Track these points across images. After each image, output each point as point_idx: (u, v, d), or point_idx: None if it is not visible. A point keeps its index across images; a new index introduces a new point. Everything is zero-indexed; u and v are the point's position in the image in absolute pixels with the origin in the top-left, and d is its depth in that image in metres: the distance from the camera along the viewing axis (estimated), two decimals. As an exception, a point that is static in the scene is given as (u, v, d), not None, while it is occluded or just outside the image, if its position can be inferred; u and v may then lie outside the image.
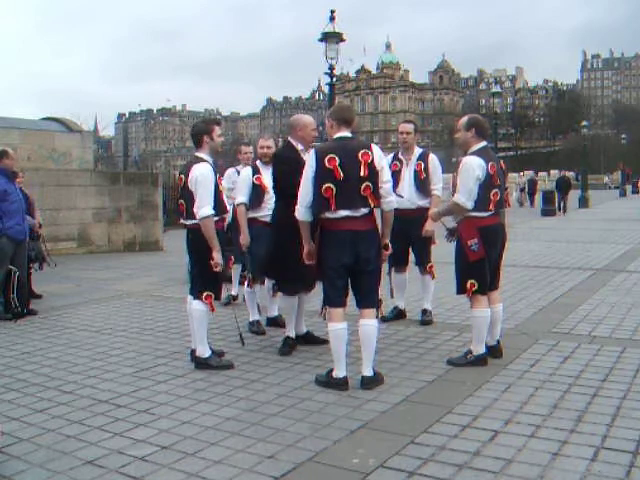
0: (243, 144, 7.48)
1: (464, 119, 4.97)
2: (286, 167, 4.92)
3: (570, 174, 66.29)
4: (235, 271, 7.16)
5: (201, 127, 4.96)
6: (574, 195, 30.59)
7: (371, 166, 4.26)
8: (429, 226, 6.00)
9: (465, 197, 4.63)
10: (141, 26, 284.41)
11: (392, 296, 6.19)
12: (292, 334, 5.32)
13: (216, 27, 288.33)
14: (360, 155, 4.25)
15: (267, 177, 5.90)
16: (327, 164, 4.23)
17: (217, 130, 4.95)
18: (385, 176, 4.34)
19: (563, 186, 26.25)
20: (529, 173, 58.18)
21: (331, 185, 4.21)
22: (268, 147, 5.99)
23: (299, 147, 5.04)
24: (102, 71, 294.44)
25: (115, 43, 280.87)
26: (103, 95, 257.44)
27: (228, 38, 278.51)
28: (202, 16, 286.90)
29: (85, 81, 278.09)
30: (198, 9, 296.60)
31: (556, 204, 24.68)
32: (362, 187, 4.23)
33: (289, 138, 5.17)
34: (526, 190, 32.07)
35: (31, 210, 7.63)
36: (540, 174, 58.53)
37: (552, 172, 62.59)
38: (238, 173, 6.63)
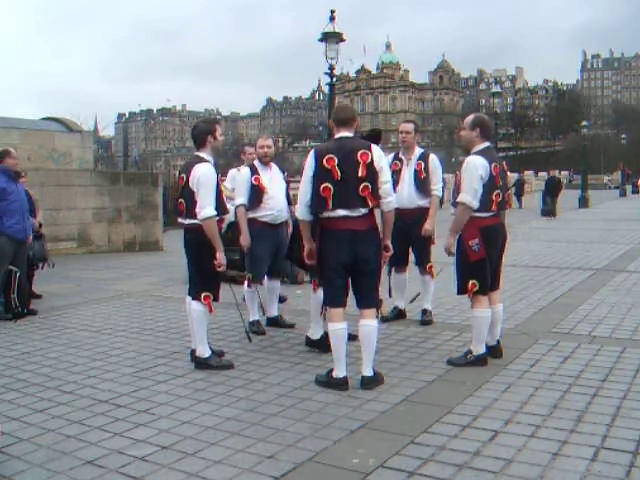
0: (247, 145, 7.49)
1: (469, 118, 4.97)
2: None
3: (564, 174, 66.26)
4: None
5: (204, 127, 4.96)
6: (574, 195, 30.59)
7: (370, 166, 4.26)
8: (428, 225, 6.01)
9: (471, 196, 4.63)
10: (141, 26, 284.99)
11: (390, 296, 6.19)
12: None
13: (216, 27, 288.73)
14: (359, 155, 4.26)
15: (265, 177, 5.90)
16: (326, 164, 4.25)
17: (219, 129, 4.97)
18: (384, 176, 4.33)
19: (552, 188, 23.92)
20: (528, 173, 58.26)
21: (329, 185, 4.23)
22: (268, 147, 5.98)
23: None
24: (102, 71, 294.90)
25: (115, 43, 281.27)
26: (103, 95, 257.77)
27: (228, 38, 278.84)
28: (202, 16, 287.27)
29: (85, 81, 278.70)
30: (198, 9, 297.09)
31: (547, 207, 23.04)
32: (360, 187, 4.23)
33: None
34: (513, 191, 31.78)
35: (34, 210, 7.65)
36: (540, 174, 58.58)
37: (552, 172, 62.73)
38: None
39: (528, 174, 58.14)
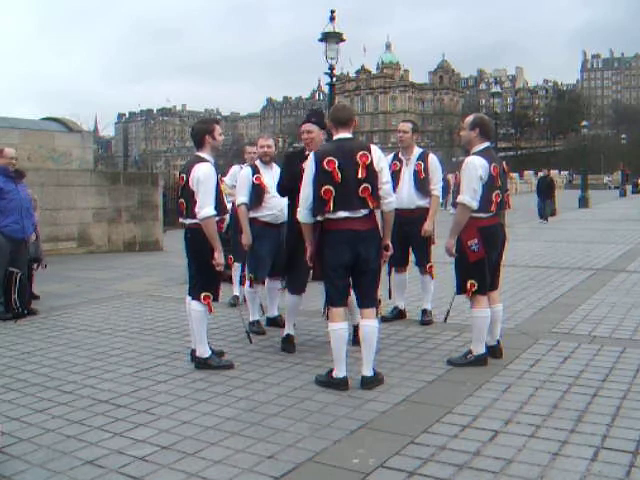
0: (248, 144, 7.54)
1: (469, 118, 4.96)
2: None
3: (564, 173, 65.85)
4: (235, 271, 7.14)
5: (202, 127, 4.96)
6: (574, 195, 30.60)
7: (370, 168, 4.26)
8: (428, 226, 6.00)
9: (470, 196, 4.63)
10: (141, 26, 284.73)
11: (390, 297, 6.18)
12: (292, 332, 5.38)
13: (216, 27, 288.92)
14: (358, 157, 4.25)
15: (267, 177, 5.91)
16: (326, 166, 4.23)
17: (218, 129, 4.97)
18: (384, 177, 4.34)
19: (544, 188, 21.37)
20: (528, 173, 58.12)
21: (330, 187, 4.21)
22: (268, 147, 5.99)
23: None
24: (102, 71, 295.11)
25: (115, 43, 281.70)
26: (103, 95, 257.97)
27: (228, 38, 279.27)
28: (202, 16, 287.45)
29: (85, 81, 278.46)
30: (198, 9, 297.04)
31: (537, 210, 20.84)
32: (360, 189, 4.23)
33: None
34: None
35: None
36: (540, 174, 58.74)
37: (552, 172, 62.61)
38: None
39: (528, 174, 58.15)
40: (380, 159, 4.36)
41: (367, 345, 4.35)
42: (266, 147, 5.98)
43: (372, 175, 4.26)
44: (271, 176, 5.95)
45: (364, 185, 4.23)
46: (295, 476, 3.10)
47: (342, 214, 4.24)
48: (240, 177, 6.11)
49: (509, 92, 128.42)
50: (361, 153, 4.27)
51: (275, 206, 5.87)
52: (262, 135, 6.47)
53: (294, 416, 3.85)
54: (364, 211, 4.28)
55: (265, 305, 6.20)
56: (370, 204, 4.26)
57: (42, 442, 3.52)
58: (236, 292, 7.27)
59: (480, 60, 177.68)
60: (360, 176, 4.22)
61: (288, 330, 5.38)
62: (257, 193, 5.84)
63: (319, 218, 4.31)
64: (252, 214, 5.88)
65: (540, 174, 23.64)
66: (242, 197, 5.88)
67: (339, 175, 4.22)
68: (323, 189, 4.22)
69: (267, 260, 5.90)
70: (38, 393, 4.37)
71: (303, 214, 4.36)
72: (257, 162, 6.04)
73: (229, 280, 7.36)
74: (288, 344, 5.32)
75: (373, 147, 4.42)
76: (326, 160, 4.24)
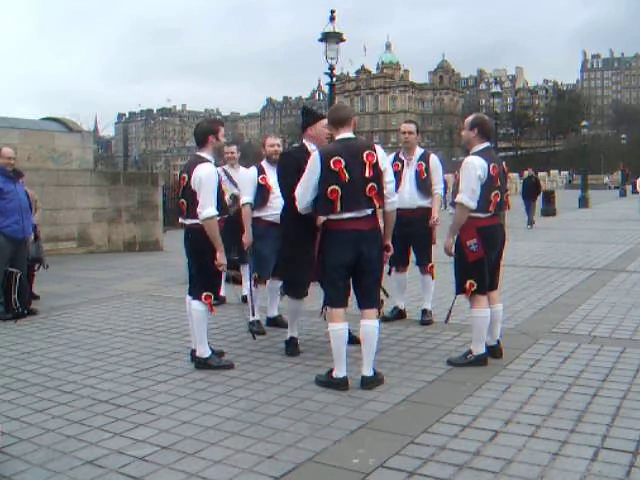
0: (225, 144, 7.64)
1: (469, 118, 4.97)
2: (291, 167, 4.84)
3: (564, 173, 65.85)
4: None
5: (207, 127, 4.97)
6: (574, 195, 30.58)
7: (376, 167, 4.27)
8: (435, 217, 6.03)
9: (468, 196, 4.63)
10: (141, 26, 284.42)
11: (387, 296, 6.12)
12: (295, 334, 5.29)
13: (216, 27, 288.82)
14: (365, 156, 4.25)
15: (272, 177, 5.92)
16: (333, 166, 4.21)
17: (222, 131, 5.00)
18: (388, 176, 4.35)
19: (530, 189, 19.44)
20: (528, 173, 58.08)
21: (337, 187, 4.20)
22: (278, 145, 6.05)
23: (311, 147, 4.85)
24: (102, 71, 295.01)
25: (115, 43, 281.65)
26: (103, 95, 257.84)
27: (228, 38, 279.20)
28: (202, 16, 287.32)
29: (85, 81, 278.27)
30: (198, 9, 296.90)
31: (526, 215, 18.60)
32: (367, 188, 4.22)
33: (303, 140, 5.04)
34: None
35: (31, 209, 7.62)
36: (540, 174, 58.86)
37: (552, 172, 62.69)
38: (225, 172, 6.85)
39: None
40: (384, 158, 4.39)
41: (367, 345, 4.34)
42: (276, 146, 6.01)
43: (378, 174, 4.27)
44: (276, 176, 5.95)
45: (371, 184, 4.23)
46: (295, 476, 3.10)
47: (347, 215, 4.23)
48: (246, 177, 6.12)
49: (509, 92, 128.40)
50: (367, 152, 4.27)
51: (279, 206, 5.86)
52: (269, 135, 6.48)
53: (294, 416, 3.85)
54: (369, 211, 4.27)
55: (263, 305, 6.18)
56: (376, 203, 4.26)
57: (42, 442, 3.53)
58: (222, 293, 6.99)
59: (480, 60, 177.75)
60: (367, 175, 4.22)
61: (292, 333, 5.26)
62: (262, 193, 5.85)
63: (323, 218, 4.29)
64: (256, 214, 5.89)
65: (526, 173, 21.24)
66: (247, 197, 5.88)
67: (346, 175, 4.20)
68: (329, 189, 4.20)
69: (271, 259, 5.90)
70: (38, 393, 4.37)
71: (300, 211, 4.39)
72: (263, 162, 6.04)
73: (232, 280, 7.32)
74: (292, 347, 5.20)
75: (377, 146, 4.45)
76: (333, 160, 4.22)
